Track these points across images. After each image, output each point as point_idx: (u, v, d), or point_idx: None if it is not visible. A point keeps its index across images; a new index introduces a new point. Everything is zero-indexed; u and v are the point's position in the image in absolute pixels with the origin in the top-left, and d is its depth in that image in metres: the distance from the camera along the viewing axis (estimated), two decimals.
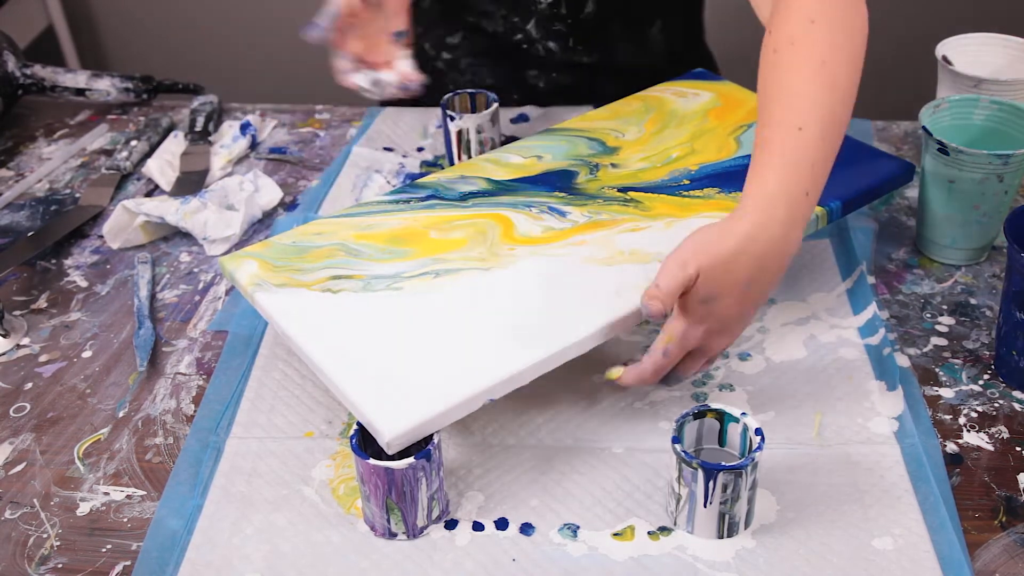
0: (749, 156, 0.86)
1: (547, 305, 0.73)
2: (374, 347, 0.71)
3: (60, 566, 0.67)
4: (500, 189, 0.85)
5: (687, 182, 0.86)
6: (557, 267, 0.77)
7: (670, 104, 0.97)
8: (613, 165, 0.88)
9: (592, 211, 0.82)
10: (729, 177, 0.87)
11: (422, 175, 1.04)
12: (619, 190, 0.85)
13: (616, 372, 0.72)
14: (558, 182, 0.86)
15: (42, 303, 0.91)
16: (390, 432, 0.64)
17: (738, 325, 0.72)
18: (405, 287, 0.75)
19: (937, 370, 0.80)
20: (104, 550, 0.68)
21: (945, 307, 0.86)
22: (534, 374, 0.70)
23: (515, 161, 0.88)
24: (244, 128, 1.12)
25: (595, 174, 0.87)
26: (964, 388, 0.78)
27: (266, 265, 0.78)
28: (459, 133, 0.99)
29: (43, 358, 0.85)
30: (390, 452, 0.65)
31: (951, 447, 0.73)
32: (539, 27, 1.06)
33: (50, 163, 1.11)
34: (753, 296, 0.70)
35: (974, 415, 0.76)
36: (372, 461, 0.64)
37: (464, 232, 0.80)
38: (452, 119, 0.98)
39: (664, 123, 0.94)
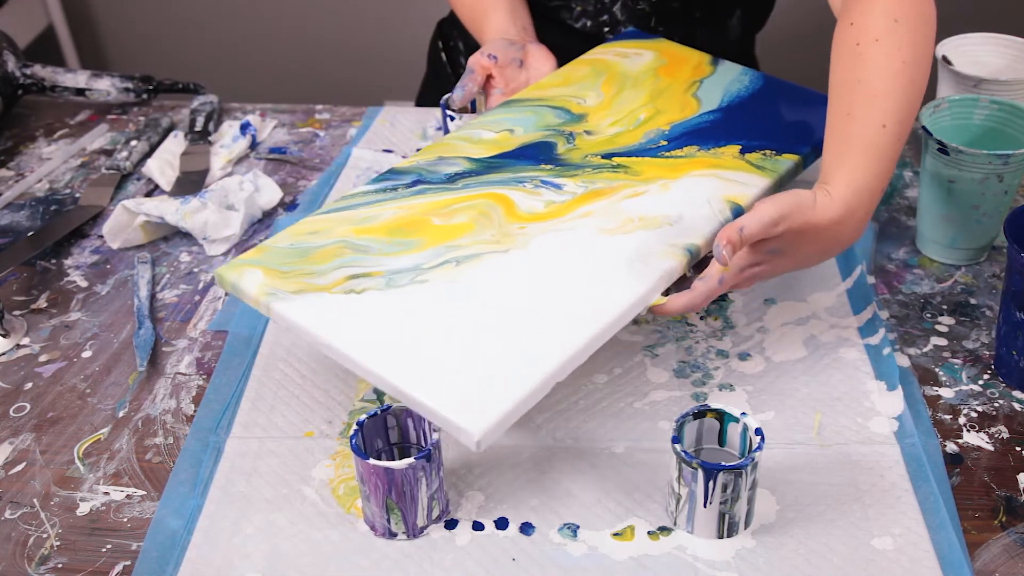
0: (714, 112, 0.90)
1: (581, 280, 0.72)
2: (425, 345, 0.67)
3: (60, 566, 0.67)
4: (485, 167, 0.83)
5: (664, 143, 0.86)
6: (575, 241, 0.75)
7: (617, 65, 0.97)
8: (587, 132, 0.87)
9: (585, 181, 0.81)
10: (703, 134, 0.87)
11: None
12: (603, 157, 0.84)
13: (660, 299, 0.72)
14: (540, 154, 0.85)
15: (42, 303, 0.91)
16: (479, 430, 0.62)
17: (780, 274, 0.77)
18: (430, 279, 0.72)
19: (937, 370, 0.80)
20: (104, 550, 0.68)
21: (945, 307, 0.86)
22: (591, 349, 0.69)
23: (488, 137, 0.87)
24: (244, 128, 1.12)
25: (573, 143, 0.86)
26: (964, 388, 0.78)
27: (272, 272, 0.73)
28: None
29: (43, 358, 0.85)
30: (479, 450, 0.62)
31: (951, 447, 0.73)
32: (624, 9, 1.07)
33: (50, 163, 1.11)
34: (810, 263, 0.77)
35: (974, 415, 0.76)
36: (372, 461, 0.64)
37: (467, 216, 0.78)
38: (452, 119, 0.98)
39: (619, 85, 0.94)
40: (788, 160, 0.84)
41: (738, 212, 0.78)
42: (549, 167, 0.83)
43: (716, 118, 0.90)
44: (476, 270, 0.73)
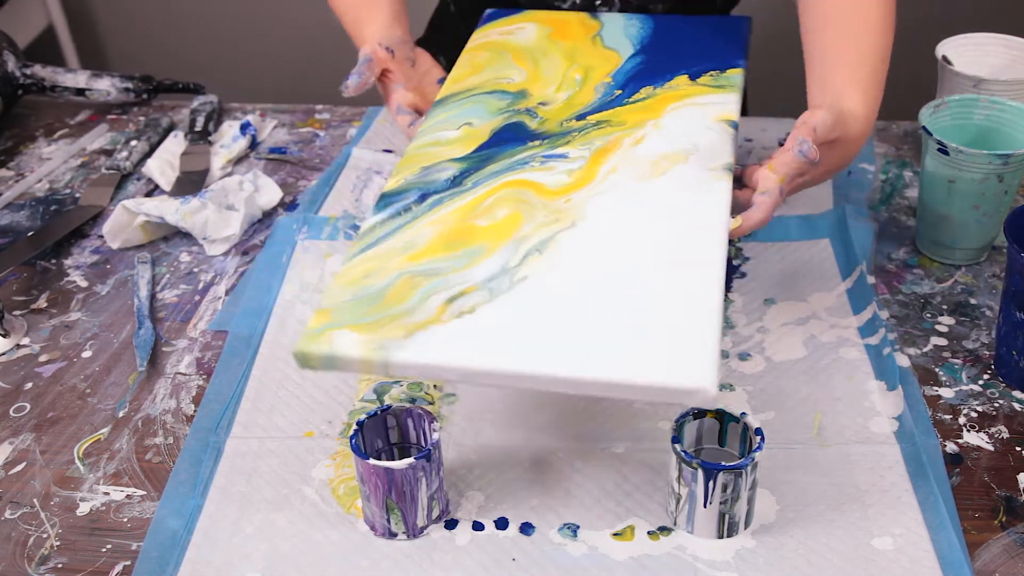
0: (637, 55, 0.92)
1: (663, 223, 0.71)
2: (584, 333, 0.63)
3: (60, 566, 0.67)
4: (478, 161, 0.79)
5: (619, 92, 0.86)
6: (624, 196, 0.74)
7: (510, 43, 0.96)
8: (542, 104, 0.86)
9: (583, 144, 0.80)
10: (646, 75, 0.88)
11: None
12: (577, 119, 0.83)
13: (736, 222, 0.75)
14: (519, 135, 0.82)
15: (42, 303, 0.91)
16: (708, 383, 0.59)
17: (810, 185, 0.82)
18: (527, 274, 0.67)
19: (937, 370, 0.80)
20: (104, 550, 0.68)
21: (945, 307, 0.86)
22: (724, 275, 0.68)
23: (453, 135, 0.83)
24: (244, 128, 1.12)
25: (538, 116, 0.84)
26: (964, 388, 0.78)
27: (363, 327, 0.64)
28: None
29: (43, 358, 0.85)
30: (712, 407, 0.60)
31: (951, 447, 0.73)
32: None
33: (50, 163, 1.11)
34: (827, 176, 0.83)
35: (974, 415, 0.76)
36: (372, 461, 0.64)
37: (507, 208, 0.74)
38: None
39: (531, 58, 0.93)
40: (736, 74, 0.87)
41: (735, 127, 0.81)
42: (537, 143, 0.80)
43: (644, 59, 0.91)
44: (561, 251, 0.69)
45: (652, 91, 0.86)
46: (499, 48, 0.95)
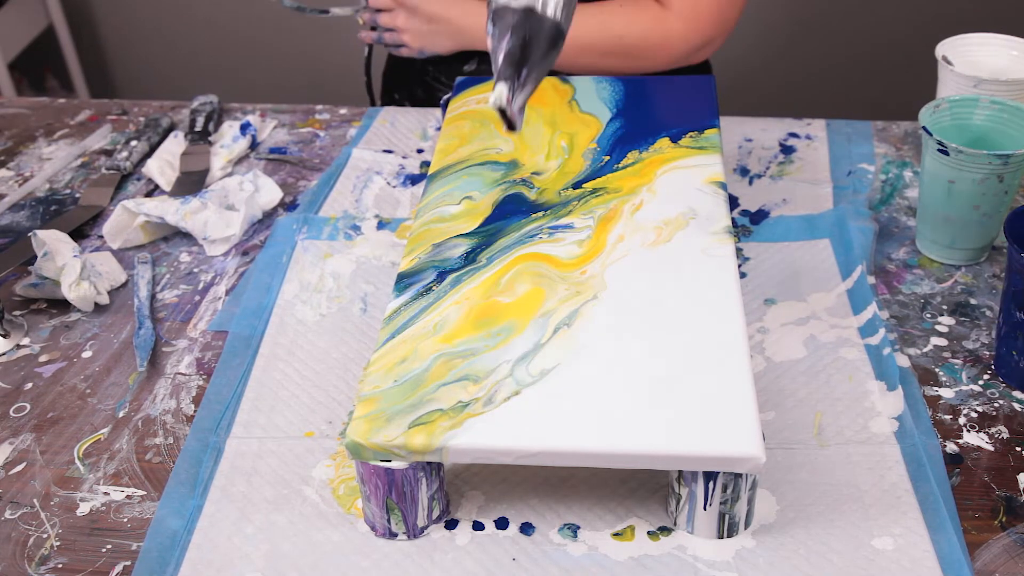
0: (615, 119, 0.93)
1: (681, 290, 0.73)
2: (632, 412, 0.65)
3: (60, 566, 0.67)
4: (488, 236, 0.80)
5: (607, 158, 0.88)
6: (638, 264, 0.76)
7: (491, 112, 0.94)
8: (536, 173, 0.87)
9: (585, 213, 0.81)
10: (628, 140, 0.90)
11: (422, 176, 1.05)
12: (574, 187, 0.85)
13: None
14: (521, 207, 0.83)
15: (42, 303, 0.91)
16: (757, 450, 0.62)
17: None
18: (563, 351, 0.69)
19: (937, 370, 0.80)
20: (104, 550, 0.68)
21: (945, 307, 0.86)
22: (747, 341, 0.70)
23: (456, 210, 0.84)
24: (244, 128, 1.12)
25: (535, 187, 0.85)
26: (964, 388, 0.78)
27: (412, 414, 0.66)
28: None
29: (43, 358, 0.85)
30: (759, 472, 0.63)
31: (951, 447, 0.73)
32: None
33: (55, 164, 1.11)
34: None
35: (974, 415, 0.76)
36: (372, 462, 0.64)
37: (527, 283, 0.75)
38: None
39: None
40: (713, 134, 0.90)
41: (724, 187, 0.83)
42: (540, 214, 0.82)
43: (623, 123, 0.93)
44: (590, 324, 0.71)
45: (638, 155, 0.88)
46: (480, 118, 0.96)
